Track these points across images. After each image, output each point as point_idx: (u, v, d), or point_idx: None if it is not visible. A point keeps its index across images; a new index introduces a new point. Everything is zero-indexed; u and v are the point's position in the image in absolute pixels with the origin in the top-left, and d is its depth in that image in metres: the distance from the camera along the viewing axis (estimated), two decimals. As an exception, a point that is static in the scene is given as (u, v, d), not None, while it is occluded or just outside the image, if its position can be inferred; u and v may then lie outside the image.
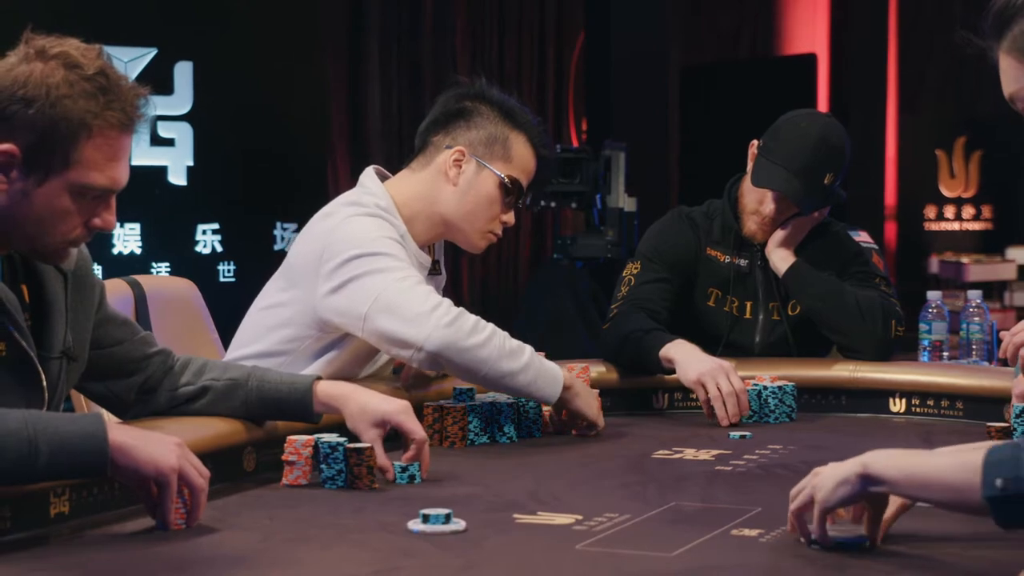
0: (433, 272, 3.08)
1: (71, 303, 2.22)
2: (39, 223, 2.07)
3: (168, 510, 1.98)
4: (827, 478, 1.84)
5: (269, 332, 2.94)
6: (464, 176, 2.99)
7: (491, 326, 2.79)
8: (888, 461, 1.81)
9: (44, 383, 2.15)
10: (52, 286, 2.19)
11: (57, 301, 2.19)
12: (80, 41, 2.08)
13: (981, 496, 1.71)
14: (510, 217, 3.04)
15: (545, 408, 2.91)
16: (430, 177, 3.01)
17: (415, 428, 2.42)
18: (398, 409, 2.43)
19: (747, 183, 3.43)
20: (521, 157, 3.02)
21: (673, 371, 3.14)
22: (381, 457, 2.38)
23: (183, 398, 2.41)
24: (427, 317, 2.73)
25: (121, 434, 1.96)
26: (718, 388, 3.01)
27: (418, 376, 2.95)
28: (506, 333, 2.80)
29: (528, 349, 2.81)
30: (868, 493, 1.82)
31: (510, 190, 3.00)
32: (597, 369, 3.25)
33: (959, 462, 1.76)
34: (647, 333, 3.21)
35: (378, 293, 2.77)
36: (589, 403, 2.88)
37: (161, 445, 1.99)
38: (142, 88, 2.11)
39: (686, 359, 3.10)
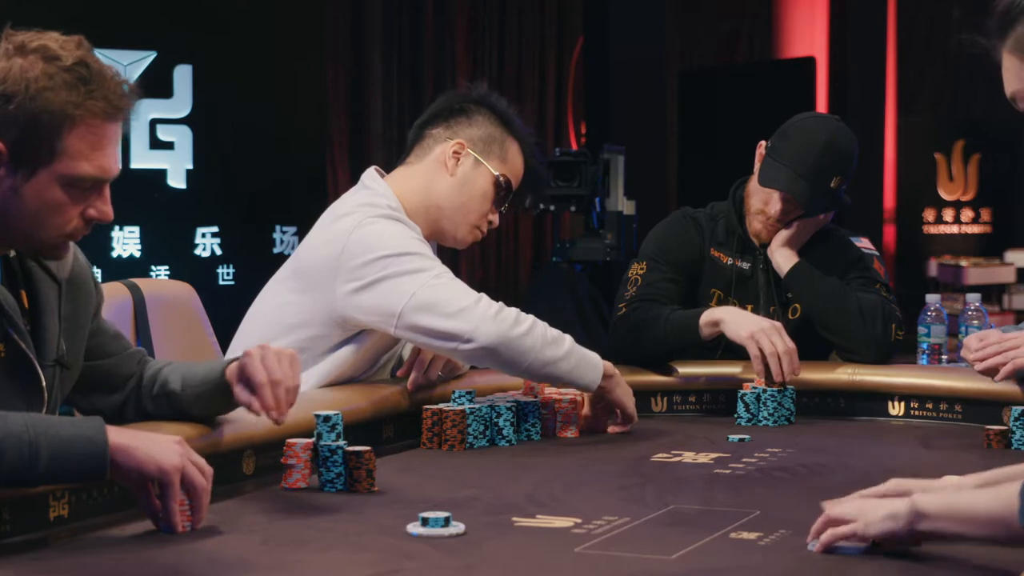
0: None
1: (65, 312, 2.21)
2: (33, 218, 2.06)
3: (172, 511, 1.98)
4: (877, 508, 1.84)
5: (285, 331, 2.92)
6: (461, 168, 3.04)
7: (531, 317, 2.84)
8: (933, 497, 1.82)
9: (44, 385, 2.14)
10: (46, 294, 2.18)
11: (51, 309, 2.18)
12: (60, 34, 2.08)
13: (1019, 522, 1.70)
14: (496, 217, 3.10)
15: (571, 405, 2.92)
16: (427, 168, 3.05)
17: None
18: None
19: (753, 183, 3.44)
20: (514, 162, 3.09)
21: (712, 337, 3.19)
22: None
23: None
24: (473, 310, 2.78)
25: (121, 436, 1.96)
26: (773, 344, 3.04)
27: (426, 375, 2.95)
28: (545, 323, 2.85)
29: (568, 338, 2.87)
30: (913, 530, 1.82)
31: (502, 189, 3.05)
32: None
33: (994, 494, 1.76)
34: (674, 311, 3.27)
35: (414, 291, 2.79)
36: (627, 394, 2.95)
37: (162, 445, 1.99)
38: (126, 77, 2.10)
39: (735, 317, 3.17)
